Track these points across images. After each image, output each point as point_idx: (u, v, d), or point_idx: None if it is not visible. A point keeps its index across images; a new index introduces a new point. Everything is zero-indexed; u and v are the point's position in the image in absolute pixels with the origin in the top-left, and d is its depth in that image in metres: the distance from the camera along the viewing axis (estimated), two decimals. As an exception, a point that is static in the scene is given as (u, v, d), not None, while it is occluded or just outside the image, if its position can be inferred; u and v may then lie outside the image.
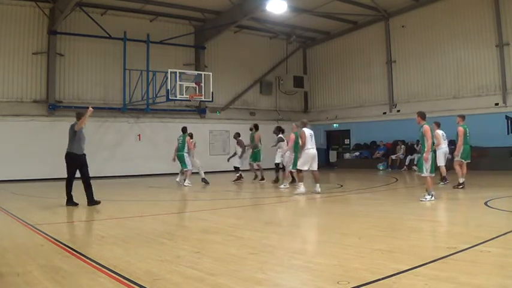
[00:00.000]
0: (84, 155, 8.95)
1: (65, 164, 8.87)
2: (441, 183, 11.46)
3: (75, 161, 8.78)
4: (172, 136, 15.71)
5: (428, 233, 5.70)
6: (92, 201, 8.68)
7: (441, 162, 11.64)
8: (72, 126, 8.80)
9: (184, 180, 13.19)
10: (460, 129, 10.75)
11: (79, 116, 8.71)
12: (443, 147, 11.77)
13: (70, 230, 6.17)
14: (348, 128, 23.53)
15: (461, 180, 10.48)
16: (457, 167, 10.75)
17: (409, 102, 20.19)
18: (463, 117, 11.05)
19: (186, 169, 13.16)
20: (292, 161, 11.24)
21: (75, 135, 8.80)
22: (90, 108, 8.61)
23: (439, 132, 11.90)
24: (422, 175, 8.44)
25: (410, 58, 20.29)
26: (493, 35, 17.28)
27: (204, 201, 10.42)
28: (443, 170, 11.77)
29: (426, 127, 8.36)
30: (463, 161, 10.79)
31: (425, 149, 8.34)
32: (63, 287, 3.52)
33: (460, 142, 10.75)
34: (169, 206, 9.74)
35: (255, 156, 14.15)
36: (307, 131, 10.34)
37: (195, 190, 12.34)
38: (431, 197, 8.25)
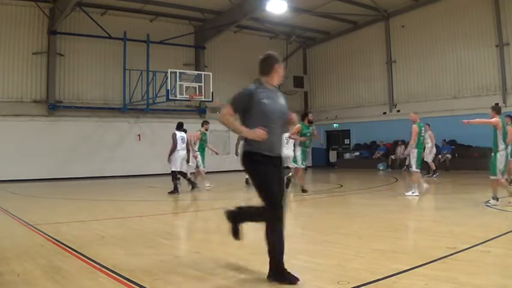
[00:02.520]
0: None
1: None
2: (433, 176, 13.95)
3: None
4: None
5: (428, 233, 5.69)
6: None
7: (429, 159, 13.83)
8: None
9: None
10: (509, 128, 10.51)
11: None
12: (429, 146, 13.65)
13: (70, 230, 6.16)
14: (348, 128, 23.54)
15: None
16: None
17: (409, 102, 20.18)
18: (510, 117, 10.34)
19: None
20: (416, 158, 9.39)
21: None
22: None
23: (431, 133, 13.49)
24: (493, 178, 7.46)
25: (410, 58, 20.29)
26: (493, 35, 17.28)
27: (204, 201, 10.42)
28: (432, 164, 14.24)
29: (496, 120, 7.65)
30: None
31: (507, 141, 7.49)
32: (63, 287, 3.52)
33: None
34: (169, 206, 9.75)
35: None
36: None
37: (194, 190, 12.34)
38: None
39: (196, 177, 12.41)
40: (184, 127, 13.52)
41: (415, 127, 9.38)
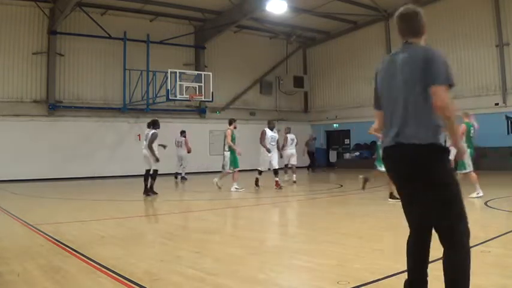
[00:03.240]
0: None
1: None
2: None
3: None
4: (171, 136, 15.72)
5: (428, 233, 5.68)
6: None
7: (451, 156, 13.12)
8: None
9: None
10: None
11: None
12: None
13: (70, 230, 6.16)
14: (348, 128, 23.52)
15: None
16: None
17: (409, 102, 20.19)
18: None
19: None
20: (467, 159, 8.61)
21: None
22: None
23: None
24: None
25: (410, 58, 20.29)
26: (493, 35, 17.27)
27: (204, 201, 10.42)
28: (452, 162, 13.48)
29: None
30: None
31: None
32: (63, 287, 3.52)
33: None
34: (169, 206, 9.75)
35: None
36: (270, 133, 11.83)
37: (194, 190, 12.34)
38: None
39: (233, 177, 11.73)
40: (184, 128, 13.42)
41: (462, 125, 8.69)
